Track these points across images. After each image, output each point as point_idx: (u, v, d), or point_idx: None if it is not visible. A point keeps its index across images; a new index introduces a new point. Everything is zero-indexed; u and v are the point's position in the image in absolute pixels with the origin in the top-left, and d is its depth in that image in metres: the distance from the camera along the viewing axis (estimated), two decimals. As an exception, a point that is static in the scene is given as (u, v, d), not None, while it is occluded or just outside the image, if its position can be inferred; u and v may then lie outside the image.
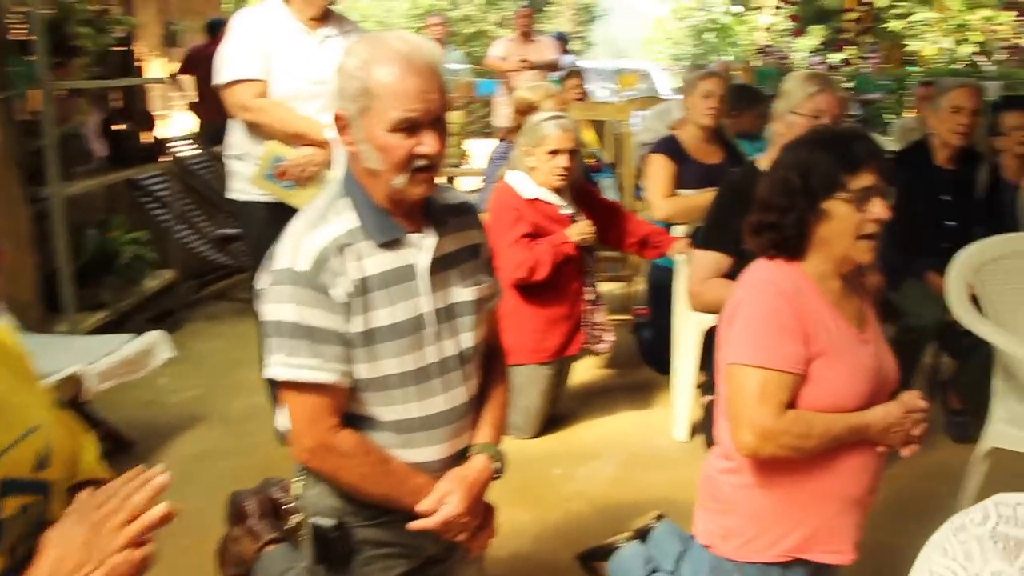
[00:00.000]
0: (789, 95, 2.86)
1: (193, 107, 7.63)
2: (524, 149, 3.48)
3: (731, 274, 2.87)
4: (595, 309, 3.65)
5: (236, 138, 3.36)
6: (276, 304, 1.71)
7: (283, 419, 1.83)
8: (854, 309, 2.05)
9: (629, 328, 4.80)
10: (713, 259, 2.90)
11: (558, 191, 3.53)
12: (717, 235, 2.91)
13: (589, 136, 5.43)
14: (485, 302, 1.95)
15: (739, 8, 15.17)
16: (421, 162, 1.69)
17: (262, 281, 1.77)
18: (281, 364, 1.71)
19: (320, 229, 1.73)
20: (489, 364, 2.03)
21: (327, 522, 1.83)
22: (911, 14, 11.32)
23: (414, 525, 1.80)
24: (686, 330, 3.70)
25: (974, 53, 11.13)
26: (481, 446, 1.93)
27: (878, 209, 1.91)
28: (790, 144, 2.07)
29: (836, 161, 1.91)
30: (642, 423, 3.88)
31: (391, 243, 1.76)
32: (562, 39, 9.49)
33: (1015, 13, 11.41)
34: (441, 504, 1.80)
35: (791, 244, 1.99)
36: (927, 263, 3.52)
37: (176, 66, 7.56)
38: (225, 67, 3.22)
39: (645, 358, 4.52)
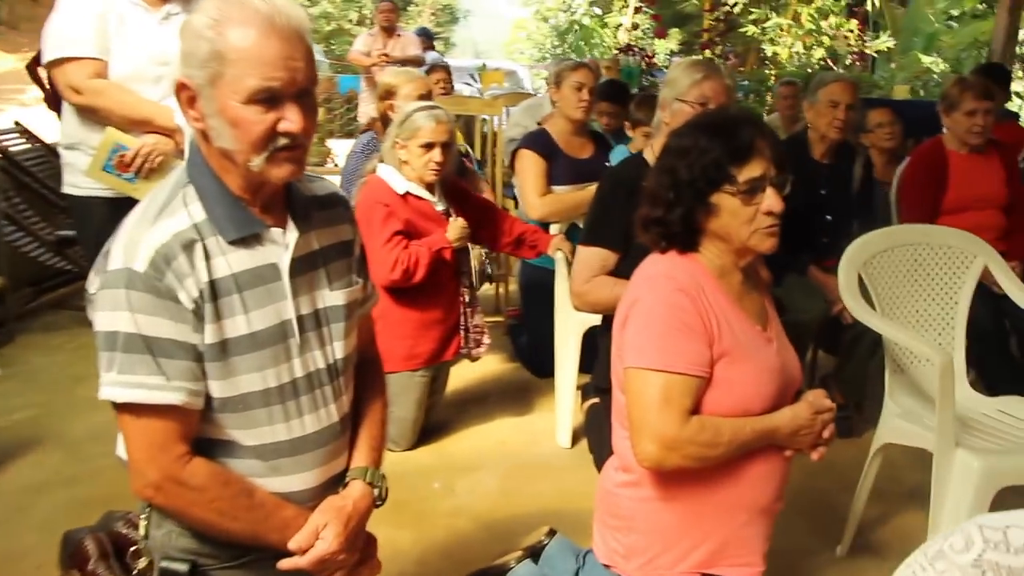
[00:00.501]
0: (674, 82, 2.74)
1: (49, 101, 6.93)
2: (395, 142, 3.25)
3: (617, 271, 2.74)
4: (472, 311, 3.45)
5: (69, 126, 2.98)
6: (109, 312, 1.44)
7: (123, 448, 1.55)
8: (756, 305, 1.93)
9: (503, 331, 4.65)
10: (598, 255, 2.75)
11: (431, 187, 3.31)
12: (601, 230, 2.76)
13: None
14: (357, 306, 1.73)
15: (599, 10, 15.38)
16: (283, 140, 1.44)
17: (93, 285, 1.49)
18: (116, 383, 1.44)
19: (161, 223, 1.46)
20: (364, 376, 1.81)
21: (179, 566, 1.56)
22: (767, 19, 11.69)
23: (284, 564, 1.56)
24: (567, 331, 3.55)
25: (824, 58, 11.59)
26: (359, 470, 1.71)
27: (770, 201, 1.79)
28: (677, 131, 1.93)
29: (722, 151, 1.79)
30: (524, 430, 3.70)
31: (247, 239, 1.52)
32: (426, 35, 9.27)
33: (857, 22, 11.98)
34: (315, 539, 1.57)
35: (680, 239, 1.86)
36: (808, 258, 3.50)
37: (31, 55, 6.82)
38: (53, 43, 2.83)
39: (522, 361, 4.37)
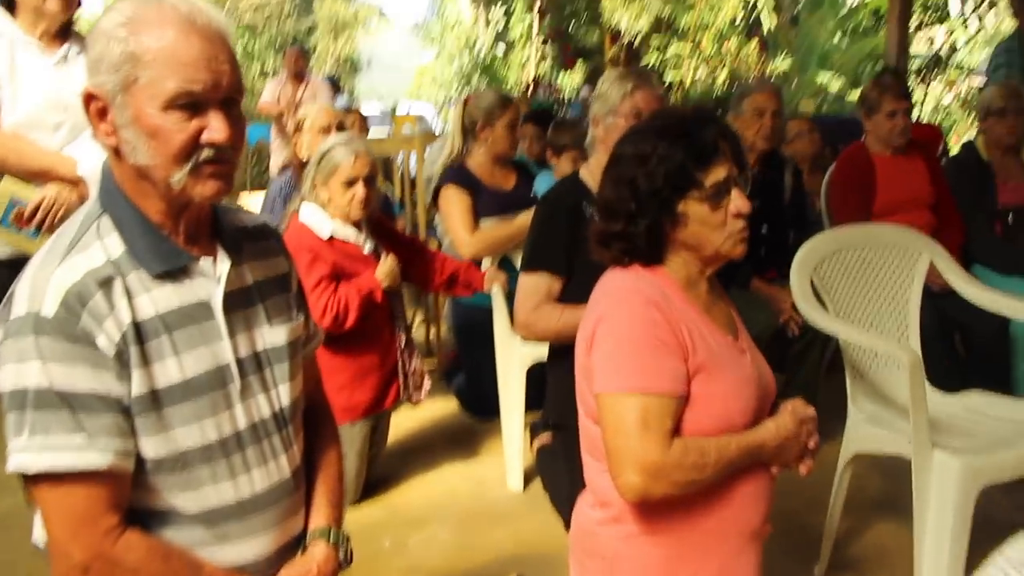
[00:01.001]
0: (605, 96, 2.64)
1: None
2: (315, 181, 3.06)
3: (563, 296, 2.61)
4: (410, 355, 3.26)
5: None
6: (14, 365, 1.23)
7: (40, 528, 1.34)
8: (723, 315, 1.81)
9: (439, 375, 4.47)
10: (542, 281, 2.61)
11: (357, 226, 3.13)
12: (543, 254, 2.63)
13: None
14: (301, 345, 1.56)
15: (502, 46, 15.47)
16: (208, 152, 1.27)
17: None
18: (27, 449, 1.22)
19: (71, 259, 1.27)
20: (314, 425, 1.63)
21: None
22: (668, 46, 11.89)
23: None
24: (510, 368, 3.40)
25: (728, 81, 11.82)
26: (320, 531, 1.53)
27: (737, 203, 1.69)
28: (629, 137, 1.80)
29: (685, 155, 1.66)
30: (473, 477, 3.50)
31: (173, 273, 1.33)
32: (333, 83, 9.11)
33: (757, 39, 12.27)
34: None
35: (645, 252, 1.72)
36: (748, 270, 3.43)
37: None
38: None
39: (463, 405, 4.19)
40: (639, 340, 1.61)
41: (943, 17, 11.93)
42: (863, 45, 12.13)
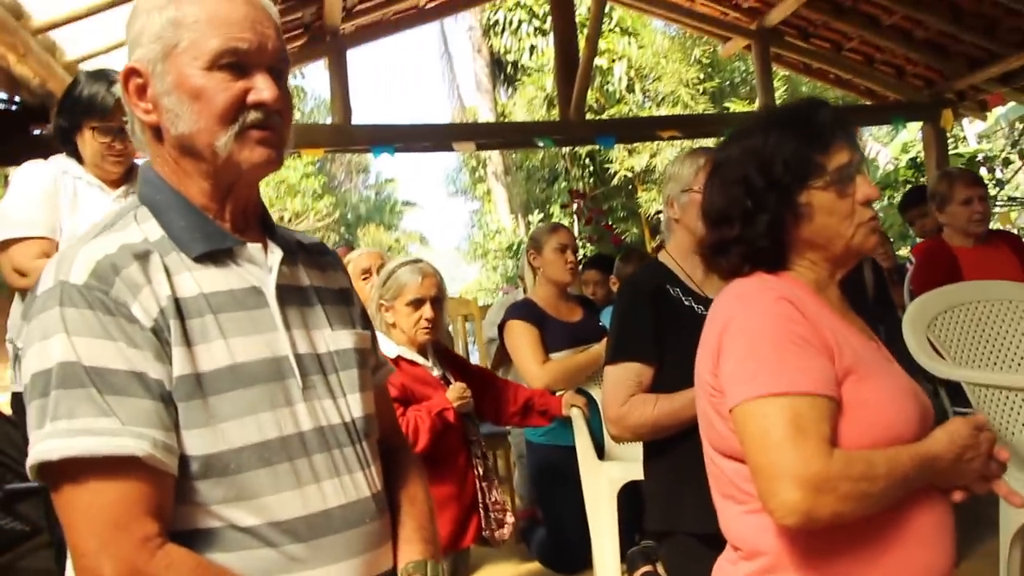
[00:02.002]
0: (678, 176, 2.54)
1: None
2: (380, 304, 2.95)
3: (654, 387, 2.39)
4: (489, 486, 3.00)
5: (16, 316, 2.64)
6: (38, 345, 1.06)
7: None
8: (860, 323, 1.60)
9: (515, 536, 4.13)
10: (632, 371, 2.40)
11: (423, 350, 2.98)
12: (631, 343, 2.43)
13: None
14: (370, 357, 1.37)
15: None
16: (254, 114, 1.17)
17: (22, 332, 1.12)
18: (50, 436, 1.03)
19: (105, 236, 1.14)
20: (395, 464, 1.41)
21: None
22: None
23: None
24: (599, 497, 3.11)
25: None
26: (416, 565, 1.28)
27: (864, 189, 1.51)
28: (729, 139, 1.67)
29: (803, 140, 1.50)
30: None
31: (217, 257, 1.19)
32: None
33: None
34: None
35: (768, 255, 1.54)
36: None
37: None
38: (1, 226, 2.57)
39: (547, 563, 3.82)
40: (777, 337, 1.40)
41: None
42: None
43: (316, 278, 1.34)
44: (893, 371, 1.50)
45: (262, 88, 1.18)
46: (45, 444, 1.04)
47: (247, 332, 1.17)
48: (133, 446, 1.05)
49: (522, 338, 3.64)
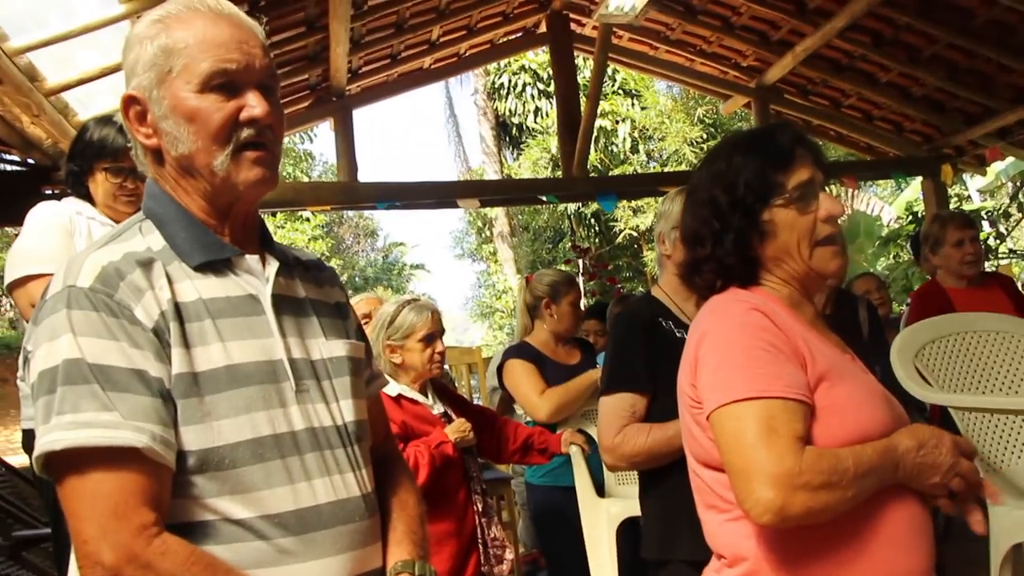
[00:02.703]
0: (668, 214, 2.62)
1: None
2: (387, 346, 2.99)
3: (649, 416, 2.43)
4: (488, 522, 3.02)
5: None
6: (47, 345, 1.13)
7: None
8: (835, 339, 1.66)
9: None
10: (626, 401, 2.44)
11: (423, 389, 3.04)
12: (624, 373, 2.47)
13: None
14: (363, 368, 1.42)
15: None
16: (248, 132, 1.24)
17: (29, 337, 1.19)
18: (55, 428, 1.09)
19: (110, 246, 1.22)
20: (387, 473, 1.46)
21: None
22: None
23: None
24: (599, 534, 3.12)
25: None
26: (403, 564, 1.32)
27: (827, 205, 1.58)
28: (701, 164, 1.76)
29: (763, 160, 1.58)
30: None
31: (217, 267, 1.26)
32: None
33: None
34: None
35: (737, 272, 1.61)
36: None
37: None
38: (15, 264, 2.63)
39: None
40: (750, 346, 1.45)
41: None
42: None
43: (312, 291, 1.41)
44: (866, 379, 1.55)
45: (253, 105, 1.25)
46: (51, 436, 1.10)
47: (243, 336, 1.23)
48: (133, 438, 1.10)
49: (521, 374, 3.66)
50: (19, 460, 4.93)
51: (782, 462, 1.33)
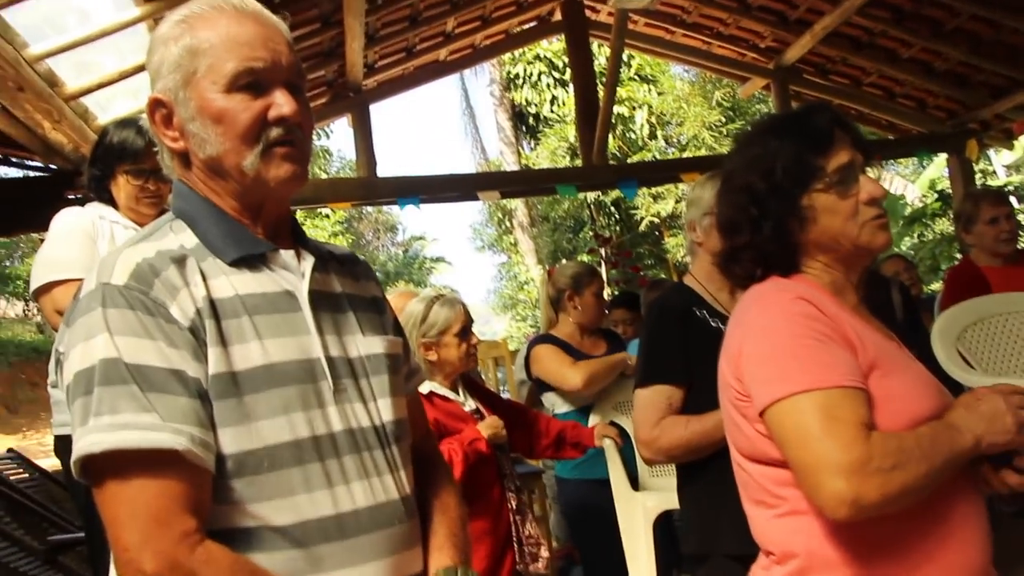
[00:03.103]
0: (699, 200, 2.56)
1: None
2: (421, 344, 2.96)
3: (685, 409, 2.39)
4: (523, 520, 2.99)
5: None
6: (82, 345, 1.11)
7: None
8: (879, 325, 1.61)
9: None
10: (661, 393, 2.39)
11: (454, 385, 3.01)
12: (659, 365, 2.43)
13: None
14: (401, 364, 1.39)
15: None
16: (277, 130, 1.22)
17: (61, 339, 1.17)
18: (93, 430, 1.06)
19: (142, 244, 1.20)
20: (427, 474, 1.43)
21: None
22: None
23: None
24: (635, 527, 3.09)
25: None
26: (446, 571, 1.29)
27: (869, 187, 1.53)
28: (735, 149, 1.71)
29: (802, 144, 1.52)
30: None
31: (251, 263, 1.23)
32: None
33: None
34: None
35: (778, 258, 1.56)
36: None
37: None
38: (40, 271, 2.63)
39: (583, 601, 3.79)
40: (799, 335, 1.40)
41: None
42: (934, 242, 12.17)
43: (348, 286, 1.38)
44: (916, 367, 1.51)
45: (281, 103, 1.22)
46: (89, 438, 1.07)
47: (281, 334, 1.20)
48: (172, 441, 1.07)
49: (549, 354, 3.66)
50: (51, 463, 4.95)
51: (850, 451, 1.28)
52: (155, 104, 1.25)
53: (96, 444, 1.06)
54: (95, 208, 2.72)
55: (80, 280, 2.60)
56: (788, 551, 1.45)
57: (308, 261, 1.30)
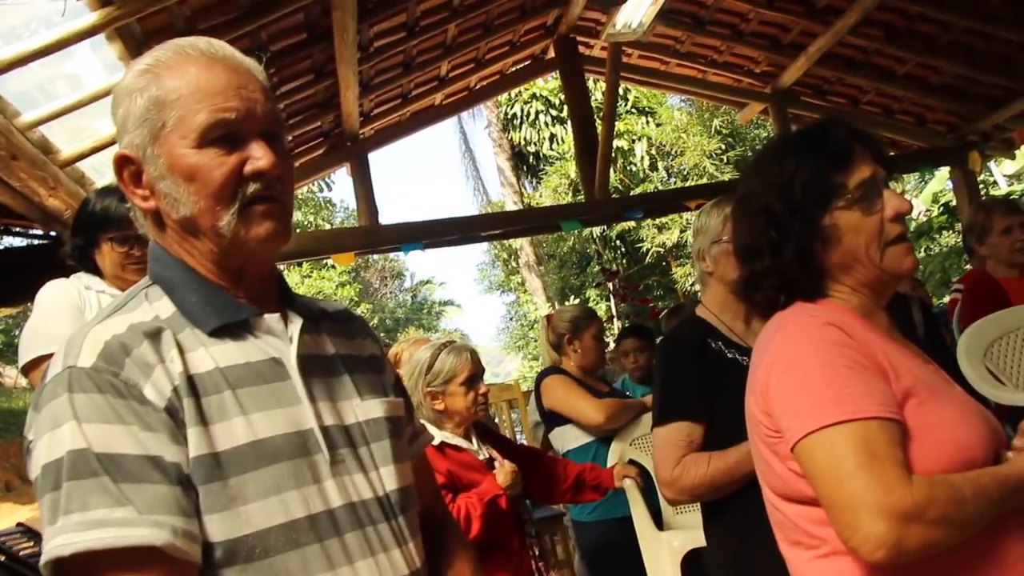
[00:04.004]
0: (706, 229, 2.49)
1: None
2: (427, 393, 2.88)
3: (706, 444, 2.30)
4: (546, 567, 2.89)
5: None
6: (49, 435, 1.00)
7: None
8: (913, 348, 1.52)
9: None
10: (682, 431, 2.30)
11: (467, 434, 2.92)
12: (677, 401, 2.34)
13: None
14: (404, 426, 1.29)
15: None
16: (254, 186, 1.12)
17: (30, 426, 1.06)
18: (62, 531, 0.96)
19: (114, 318, 1.10)
20: (439, 542, 1.33)
21: None
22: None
23: None
24: (660, 566, 2.98)
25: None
26: None
27: (894, 202, 1.45)
28: (750, 169, 1.63)
29: (820, 160, 1.45)
30: None
31: (233, 331, 1.13)
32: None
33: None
34: None
35: (801, 284, 1.48)
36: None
37: None
38: (28, 345, 2.54)
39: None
40: (830, 364, 1.32)
41: None
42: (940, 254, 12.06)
43: (342, 346, 1.28)
44: (955, 392, 1.42)
45: (259, 156, 1.12)
46: (58, 539, 0.96)
47: (268, 406, 1.11)
48: (152, 536, 0.97)
49: (563, 386, 3.69)
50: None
51: (891, 492, 1.20)
52: (122, 161, 1.16)
53: (65, 546, 0.96)
54: (81, 278, 2.65)
55: None
56: (828, 590, 1.36)
57: (296, 323, 1.20)
